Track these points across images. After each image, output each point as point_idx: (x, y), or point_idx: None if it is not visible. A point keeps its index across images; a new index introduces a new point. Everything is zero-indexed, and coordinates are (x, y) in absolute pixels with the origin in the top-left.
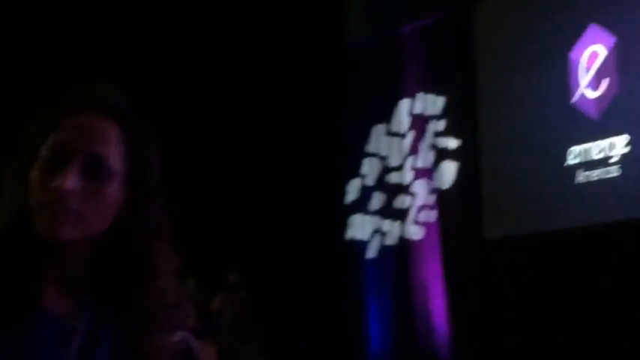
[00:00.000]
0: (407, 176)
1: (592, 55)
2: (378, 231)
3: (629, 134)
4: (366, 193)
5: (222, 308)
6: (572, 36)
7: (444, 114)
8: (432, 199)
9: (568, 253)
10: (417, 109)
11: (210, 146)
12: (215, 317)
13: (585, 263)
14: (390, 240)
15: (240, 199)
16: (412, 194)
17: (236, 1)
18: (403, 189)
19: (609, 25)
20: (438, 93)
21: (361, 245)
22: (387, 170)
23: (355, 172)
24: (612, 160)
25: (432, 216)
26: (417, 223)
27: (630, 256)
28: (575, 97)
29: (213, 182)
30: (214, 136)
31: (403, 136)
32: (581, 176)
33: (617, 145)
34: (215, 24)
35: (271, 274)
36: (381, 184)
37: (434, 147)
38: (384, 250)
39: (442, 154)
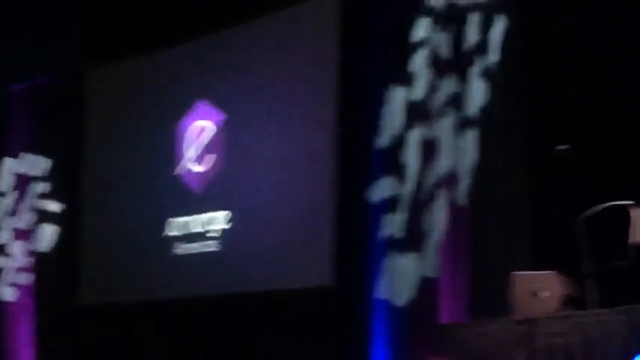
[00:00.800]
0: (4, 237)
1: (200, 130)
2: None
3: (230, 211)
4: None
5: None
6: (181, 109)
7: (49, 176)
8: (29, 261)
9: (163, 324)
10: (21, 169)
11: None
12: None
13: (180, 335)
14: None
15: None
16: (9, 255)
17: None
18: (0, 250)
19: (218, 103)
20: (44, 155)
21: None
22: None
23: None
24: (211, 235)
25: (28, 279)
26: (11, 285)
27: (223, 329)
28: (179, 170)
29: None
30: None
31: (4, 195)
32: (180, 249)
33: (217, 221)
34: None
35: None
36: None
37: (35, 209)
38: None
39: (43, 217)
